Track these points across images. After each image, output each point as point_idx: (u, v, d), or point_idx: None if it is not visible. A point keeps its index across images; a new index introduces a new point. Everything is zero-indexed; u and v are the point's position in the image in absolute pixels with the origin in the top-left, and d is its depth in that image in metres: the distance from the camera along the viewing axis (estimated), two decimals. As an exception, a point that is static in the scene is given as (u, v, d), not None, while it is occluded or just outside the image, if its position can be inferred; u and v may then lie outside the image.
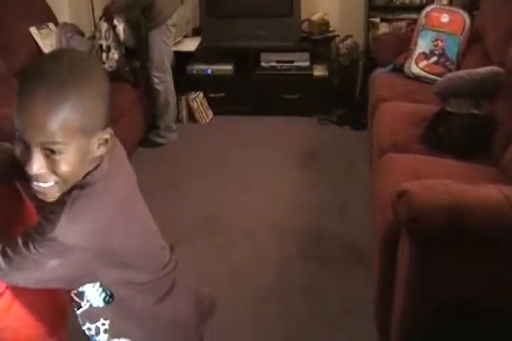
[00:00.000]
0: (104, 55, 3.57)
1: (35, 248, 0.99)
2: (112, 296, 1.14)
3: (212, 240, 2.71)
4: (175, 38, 3.94)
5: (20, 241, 1.00)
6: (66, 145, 0.96)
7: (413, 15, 3.87)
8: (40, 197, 1.03)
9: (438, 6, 3.60)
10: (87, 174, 1.04)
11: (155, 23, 3.60)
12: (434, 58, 3.40)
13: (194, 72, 4.28)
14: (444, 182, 1.66)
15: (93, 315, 1.17)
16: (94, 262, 1.05)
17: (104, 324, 1.18)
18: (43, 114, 0.92)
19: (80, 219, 1.00)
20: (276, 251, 2.63)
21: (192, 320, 1.30)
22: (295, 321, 2.17)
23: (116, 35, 3.63)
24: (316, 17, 4.22)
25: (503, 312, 1.66)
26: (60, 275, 1.05)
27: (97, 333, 1.19)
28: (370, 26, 4.16)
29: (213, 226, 2.83)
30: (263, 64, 4.24)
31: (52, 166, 0.98)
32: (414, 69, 3.43)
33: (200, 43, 4.25)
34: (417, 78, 3.41)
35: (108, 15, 3.58)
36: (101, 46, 3.57)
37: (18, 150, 1.00)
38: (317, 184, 3.26)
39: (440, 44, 3.38)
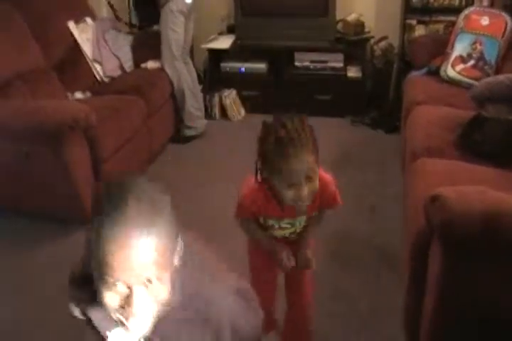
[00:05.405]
0: None
1: None
2: None
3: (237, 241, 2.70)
4: (210, 35, 3.93)
5: None
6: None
7: (451, 18, 3.81)
8: None
9: (478, 8, 3.52)
10: None
11: (160, 3, 3.63)
12: (472, 62, 3.33)
13: (228, 69, 4.29)
14: (480, 189, 1.63)
15: None
16: None
17: None
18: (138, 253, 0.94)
19: None
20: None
21: None
22: (321, 323, 2.16)
23: None
24: (351, 18, 4.19)
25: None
26: None
27: None
28: (406, 28, 4.11)
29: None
30: (297, 63, 4.23)
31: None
32: (451, 72, 3.37)
33: (235, 41, 4.26)
34: (452, 82, 3.35)
35: None
36: None
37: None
38: (348, 185, 3.23)
39: (479, 47, 3.32)
